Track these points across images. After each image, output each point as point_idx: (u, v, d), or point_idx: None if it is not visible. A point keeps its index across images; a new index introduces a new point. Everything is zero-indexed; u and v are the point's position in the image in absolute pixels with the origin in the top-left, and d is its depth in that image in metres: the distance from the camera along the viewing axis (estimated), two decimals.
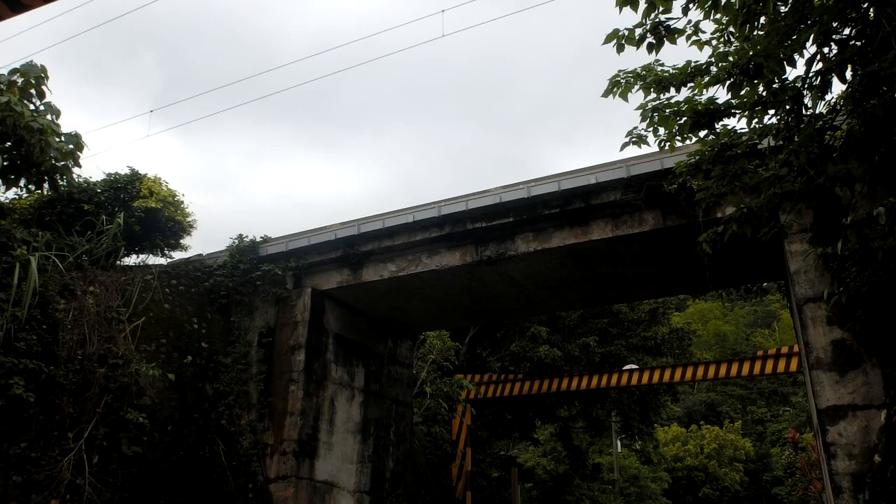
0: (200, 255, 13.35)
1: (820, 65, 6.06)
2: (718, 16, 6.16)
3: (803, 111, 6.44)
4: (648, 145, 7.08)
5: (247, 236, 12.84)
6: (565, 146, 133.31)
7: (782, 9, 5.89)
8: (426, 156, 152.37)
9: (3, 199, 11.93)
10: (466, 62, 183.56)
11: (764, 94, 6.43)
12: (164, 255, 12.98)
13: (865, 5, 5.72)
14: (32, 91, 10.19)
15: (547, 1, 11.35)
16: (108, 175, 12.62)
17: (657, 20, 6.20)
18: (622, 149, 7.03)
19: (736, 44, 6.43)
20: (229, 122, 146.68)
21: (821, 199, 8.28)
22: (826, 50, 6.03)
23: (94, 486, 9.23)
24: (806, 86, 6.26)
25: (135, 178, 12.55)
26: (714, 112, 6.77)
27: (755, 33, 6.14)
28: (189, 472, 10.60)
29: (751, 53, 6.15)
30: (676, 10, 6.13)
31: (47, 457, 9.05)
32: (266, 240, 12.82)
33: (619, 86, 6.77)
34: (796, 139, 6.43)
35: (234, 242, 12.84)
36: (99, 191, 12.20)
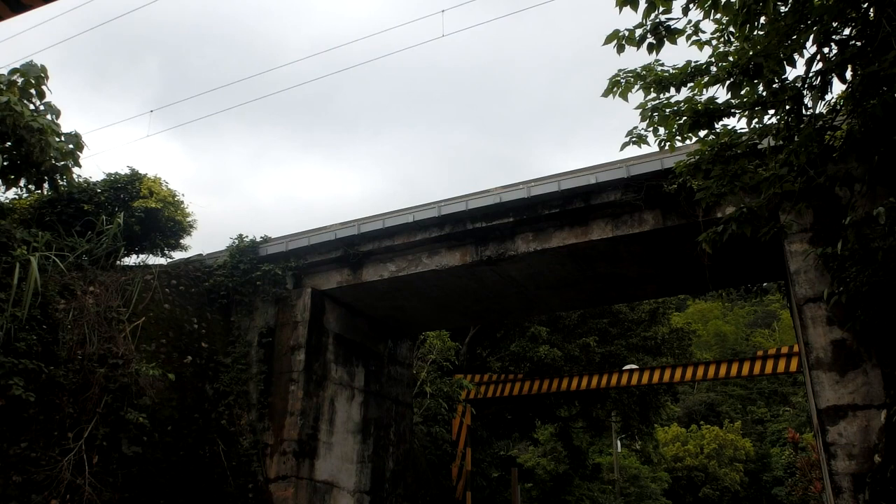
0: (200, 255, 13.35)
1: (820, 65, 6.06)
2: (718, 16, 6.17)
3: (803, 111, 6.44)
4: (648, 145, 7.09)
5: (247, 236, 12.84)
6: (563, 149, 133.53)
7: (782, 9, 5.89)
8: (425, 158, 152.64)
9: (3, 199, 11.94)
10: (465, 65, 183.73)
11: (764, 94, 6.44)
12: (164, 255, 12.99)
13: (865, 5, 5.72)
14: (32, 91, 10.18)
15: (546, 1, 11.34)
16: (108, 175, 12.62)
17: (657, 20, 6.20)
18: (622, 148, 7.04)
19: (736, 44, 6.44)
20: (229, 126, 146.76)
21: (821, 199, 8.28)
22: (826, 50, 6.03)
23: (94, 486, 9.23)
24: (806, 86, 6.26)
25: (135, 178, 12.55)
26: (714, 112, 6.77)
27: (755, 33, 6.14)
28: (189, 472, 10.60)
29: (751, 53, 6.15)
30: (676, 10, 6.14)
31: (47, 457, 9.05)
32: (266, 240, 12.82)
33: (619, 85, 6.77)
34: (796, 139, 6.43)
35: (234, 242, 12.84)
36: (99, 191, 12.20)
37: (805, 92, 6.29)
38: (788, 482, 36.86)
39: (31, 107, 10.13)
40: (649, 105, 6.87)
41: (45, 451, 9.07)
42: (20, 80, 10.00)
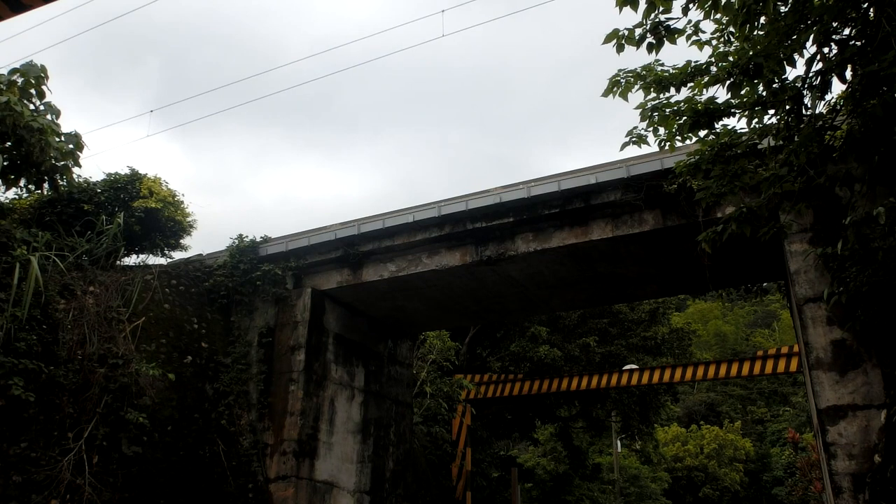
0: (200, 255, 13.35)
1: (820, 65, 6.06)
2: (718, 16, 6.16)
3: (803, 111, 6.44)
4: (648, 145, 7.09)
5: (247, 236, 12.84)
6: (562, 149, 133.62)
7: (782, 9, 5.89)
8: (424, 158, 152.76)
9: (3, 199, 11.93)
10: (465, 65, 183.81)
11: (764, 94, 6.43)
12: (164, 255, 12.98)
13: (865, 5, 5.72)
14: (32, 91, 10.18)
15: (546, 1, 11.34)
16: (108, 175, 12.61)
17: (657, 20, 6.19)
18: (622, 148, 7.03)
19: (736, 44, 6.43)
20: (229, 126, 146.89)
21: (821, 199, 8.28)
22: (826, 50, 6.03)
23: (94, 486, 9.23)
24: (806, 86, 6.26)
25: (135, 178, 12.54)
26: (714, 112, 6.76)
27: (755, 33, 6.14)
28: (189, 472, 10.60)
29: (751, 53, 6.14)
30: (676, 10, 6.13)
31: (47, 457, 9.05)
32: (266, 240, 12.82)
33: (619, 85, 6.76)
34: (796, 139, 6.43)
35: (234, 242, 12.83)
36: (99, 191, 12.19)
37: (805, 92, 6.29)
38: (788, 482, 36.91)
39: (31, 107, 10.14)
40: (649, 105, 6.86)
41: (45, 451, 9.06)
42: (20, 80, 10.00)
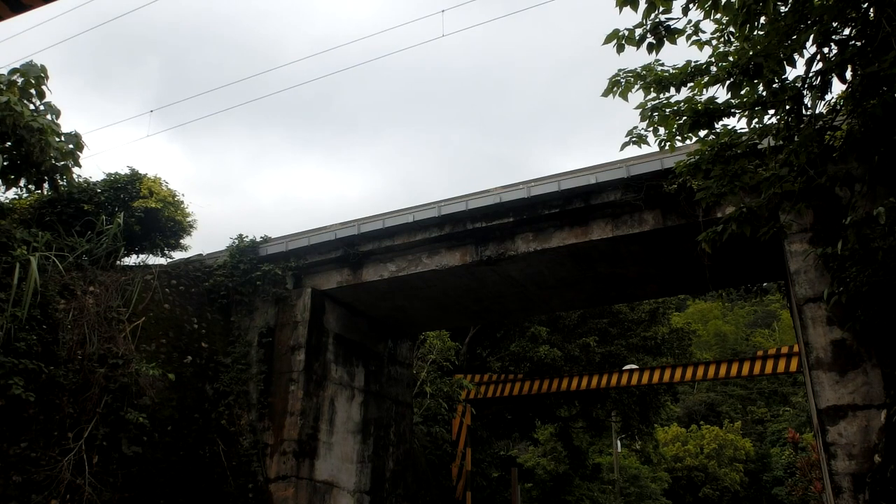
0: (200, 255, 13.35)
1: (820, 65, 6.06)
2: (718, 16, 6.17)
3: (803, 111, 6.44)
4: (648, 145, 7.09)
5: (247, 236, 12.84)
6: (563, 149, 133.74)
7: (782, 9, 5.89)
8: (424, 158, 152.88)
9: (3, 199, 11.93)
10: (465, 65, 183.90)
11: (764, 94, 6.43)
12: (164, 255, 12.98)
13: (865, 5, 5.72)
14: (32, 91, 10.17)
15: (545, 1, 11.33)
16: (108, 175, 12.61)
17: (657, 20, 6.20)
18: (622, 148, 7.03)
19: (736, 44, 6.43)
20: (229, 126, 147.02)
21: (821, 199, 8.28)
22: (826, 50, 6.03)
23: (94, 486, 9.23)
24: (806, 86, 6.26)
25: (135, 178, 12.54)
26: (714, 112, 6.76)
27: (755, 33, 6.14)
28: (189, 472, 10.60)
29: (751, 53, 6.15)
30: (676, 10, 6.14)
31: (47, 457, 9.05)
32: (266, 240, 12.81)
33: (619, 85, 6.76)
34: (796, 139, 6.43)
35: (234, 242, 12.83)
36: (99, 191, 12.19)
37: (805, 92, 6.29)
38: (788, 482, 36.88)
39: (31, 107, 10.12)
40: (649, 105, 6.86)
41: (45, 451, 9.07)
42: (20, 80, 9.99)
